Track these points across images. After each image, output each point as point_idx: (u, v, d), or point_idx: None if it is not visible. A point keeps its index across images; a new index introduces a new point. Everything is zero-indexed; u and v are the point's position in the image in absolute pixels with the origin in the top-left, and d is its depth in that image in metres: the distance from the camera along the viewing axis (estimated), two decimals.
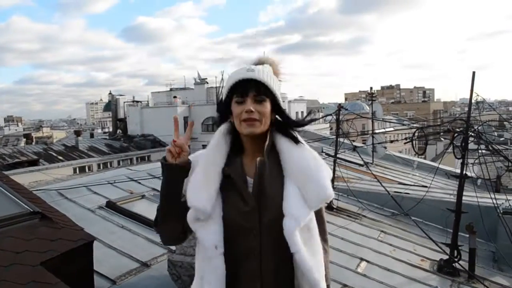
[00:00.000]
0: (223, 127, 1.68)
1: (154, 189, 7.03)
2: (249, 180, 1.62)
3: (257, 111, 1.58)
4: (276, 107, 1.66)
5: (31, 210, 3.42)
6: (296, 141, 1.67)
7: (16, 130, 51.31)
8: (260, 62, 1.69)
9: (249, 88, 1.59)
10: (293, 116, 1.75)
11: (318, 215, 1.70)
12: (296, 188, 1.58)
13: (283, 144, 1.66)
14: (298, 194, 1.58)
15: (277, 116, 1.69)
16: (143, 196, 6.67)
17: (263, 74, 1.62)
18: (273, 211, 1.56)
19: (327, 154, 11.57)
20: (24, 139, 34.67)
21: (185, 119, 35.41)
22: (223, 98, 1.66)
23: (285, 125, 1.69)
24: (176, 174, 1.56)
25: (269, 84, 1.61)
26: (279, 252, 1.56)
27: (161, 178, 1.58)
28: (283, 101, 1.72)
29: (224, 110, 1.67)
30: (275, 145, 1.67)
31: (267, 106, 1.61)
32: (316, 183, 1.59)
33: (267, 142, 1.64)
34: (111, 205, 6.11)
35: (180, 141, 1.55)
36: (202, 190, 1.55)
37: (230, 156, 1.65)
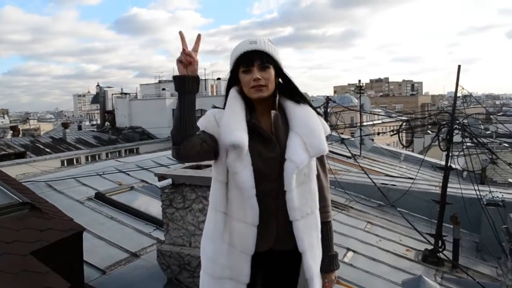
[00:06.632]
0: (233, 90, 1.90)
1: (143, 181, 7.05)
2: None
3: (262, 78, 1.81)
4: (279, 72, 1.89)
5: (21, 201, 3.43)
6: (297, 100, 1.92)
7: (2, 122, 50.57)
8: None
9: (254, 58, 1.81)
10: None
11: (321, 161, 2.00)
12: (299, 137, 1.83)
13: (287, 102, 1.92)
14: (300, 143, 1.82)
15: (280, 80, 1.92)
16: (132, 188, 6.68)
17: (265, 44, 1.85)
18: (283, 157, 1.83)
19: None
20: (11, 132, 34.20)
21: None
22: (230, 68, 1.89)
23: (288, 86, 1.93)
24: (189, 85, 1.69)
25: (271, 53, 1.84)
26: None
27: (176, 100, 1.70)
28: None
29: (232, 79, 1.90)
30: (281, 104, 1.91)
31: (271, 72, 1.84)
32: (317, 136, 1.85)
33: (276, 99, 1.88)
34: (100, 197, 6.12)
35: (188, 50, 1.67)
36: (238, 129, 1.76)
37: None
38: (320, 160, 1.99)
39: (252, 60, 1.81)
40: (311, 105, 1.95)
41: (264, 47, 1.82)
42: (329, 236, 2.05)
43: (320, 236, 1.97)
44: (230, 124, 1.77)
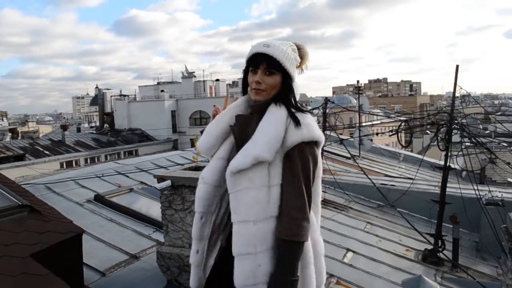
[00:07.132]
0: (245, 97, 1.96)
1: (142, 183, 7.04)
2: None
3: (265, 82, 1.81)
4: (287, 80, 1.84)
5: (20, 203, 3.43)
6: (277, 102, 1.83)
7: (1, 125, 50.60)
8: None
9: (261, 61, 1.80)
10: None
11: (290, 171, 1.75)
12: (251, 141, 1.80)
13: (271, 105, 1.84)
14: (247, 147, 1.79)
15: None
16: (131, 190, 6.68)
17: (278, 50, 1.80)
18: None
19: None
20: (10, 134, 34.19)
21: (173, 112, 35.26)
22: (244, 67, 1.91)
23: (282, 97, 1.84)
24: None
25: (280, 60, 1.79)
26: None
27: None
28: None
29: (244, 78, 1.92)
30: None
31: (276, 79, 1.82)
32: (257, 140, 1.77)
33: (259, 103, 1.85)
34: (99, 199, 6.11)
35: (217, 106, 2.06)
36: (205, 139, 1.96)
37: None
38: (290, 169, 1.75)
39: (259, 63, 1.81)
40: (291, 109, 1.81)
41: (274, 53, 1.79)
42: (283, 255, 1.73)
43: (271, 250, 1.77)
44: (205, 132, 1.99)
